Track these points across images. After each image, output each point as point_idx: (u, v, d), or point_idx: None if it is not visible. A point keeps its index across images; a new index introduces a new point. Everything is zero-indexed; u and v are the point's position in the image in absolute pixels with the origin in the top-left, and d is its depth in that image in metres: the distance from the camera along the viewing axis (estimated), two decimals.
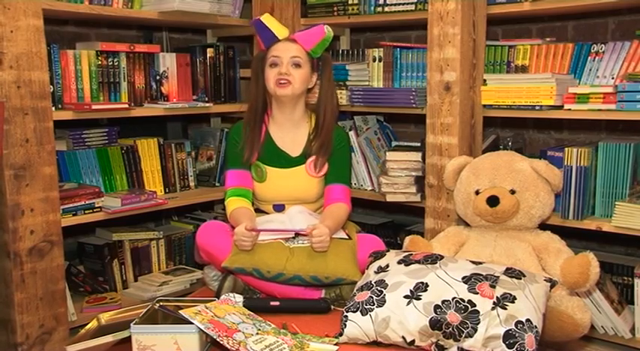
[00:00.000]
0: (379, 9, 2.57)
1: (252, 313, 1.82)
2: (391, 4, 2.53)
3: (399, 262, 1.83)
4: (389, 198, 2.46)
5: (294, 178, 2.22)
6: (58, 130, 2.34)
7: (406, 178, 2.43)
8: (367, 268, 1.91)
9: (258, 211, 2.27)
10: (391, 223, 2.98)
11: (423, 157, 2.39)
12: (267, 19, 2.19)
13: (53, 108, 2.15)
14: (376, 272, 1.83)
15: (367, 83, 2.64)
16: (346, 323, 1.72)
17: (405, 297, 1.68)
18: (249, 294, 2.09)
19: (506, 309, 1.59)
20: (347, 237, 2.13)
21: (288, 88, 2.15)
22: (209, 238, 2.07)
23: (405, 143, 2.65)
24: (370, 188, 2.66)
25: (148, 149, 2.67)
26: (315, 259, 1.98)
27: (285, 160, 2.23)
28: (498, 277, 1.69)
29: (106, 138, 2.59)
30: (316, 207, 2.28)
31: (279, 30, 2.20)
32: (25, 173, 2.02)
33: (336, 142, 2.24)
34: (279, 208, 2.25)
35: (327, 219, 2.08)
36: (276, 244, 2.03)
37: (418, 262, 1.80)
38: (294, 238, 2.06)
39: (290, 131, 2.26)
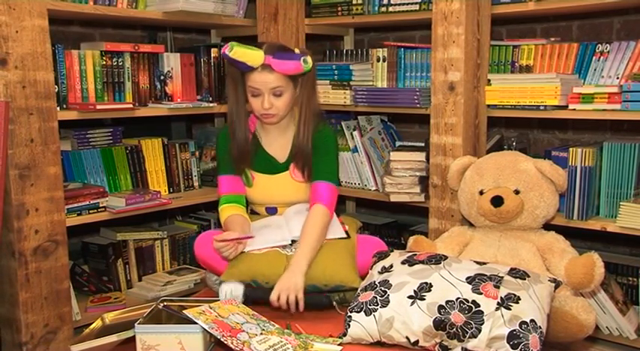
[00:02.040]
0: (383, 9, 2.57)
1: (256, 313, 1.82)
2: (395, 4, 2.53)
3: (402, 263, 1.83)
4: (393, 198, 2.46)
5: (281, 183, 2.18)
6: (62, 130, 2.35)
7: (410, 178, 2.43)
8: (371, 269, 1.90)
9: (253, 212, 2.26)
10: (395, 223, 2.97)
11: (427, 157, 2.39)
12: (236, 53, 1.96)
13: (58, 108, 2.16)
14: (380, 272, 1.83)
15: (371, 83, 2.64)
16: (350, 323, 1.72)
17: (409, 297, 1.68)
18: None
19: (510, 309, 1.58)
20: (345, 235, 2.11)
21: (274, 119, 2.10)
22: (207, 250, 2.04)
23: (409, 143, 2.65)
24: (374, 188, 2.66)
25: (152, 149, 2.68)
26: (313, 267, 1.95)
27: (272, 166, 2.18)
28: (502, 277, 1.69)
29: (111, 138, 2.59)
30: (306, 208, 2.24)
31: (251, 59, 1.98)
32: (29, 173, 2.02)
33: (319, 141, 2.14)
34: (272, 210, 2.22)
35: (302, 244, 1.98)
36: (273, 253, 2.00)
37: (422, 262, 1.80)
38: (290, 245, 2.04)
39: (277, 137, 2.20)
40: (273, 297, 1.89)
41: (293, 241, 2.04)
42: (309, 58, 2.03)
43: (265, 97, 2.04)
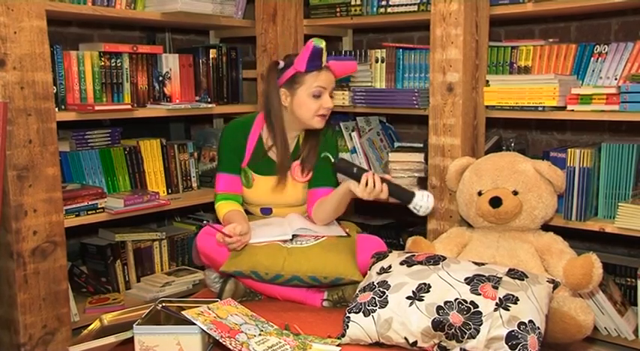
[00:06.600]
0: (382, 10, 2.57)
1: (254, 314, 1.82)
2: (394, 5, 2.53)
3: (401, 263, 1.83)
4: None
5: (280, 185, 2.18)
6: (61, 130, 2.35)
7: (409, 179, 2.43)
8: (370, 269, 1.90)
9: (247, 212, 2.26)
10: (393, 224, 2.98)
11: (426, 158, 2.39)
12: (322, 46, 2.04)
13: (56, 109, 2.16)
14: (379, 273, 1.83)
15: (370, 84, 2.64)
16: (348, 324, 1.72)
17: (408, 298, 1.68)
18: (250, 297, 2.09)
19: (508, 310, 1.59)
20: (346, 234, 2.12)
21: (326, 118, 2.14)
22: (210, 242, 2.06)
23: (408, 144, 2.65)
24: None
25: (150, 150, 2.67)
26: (313, 259, 1.97)
27: (272, 168, 2.18)
28: (501, 278, 1.69)
29: (109, 139, 2.59)
30: (302, 211, 2.24)
31: (324, 58, 2.09)
32: (28, 174, 2.02)
33: (322, 147, 2.17)
34: (267, 211, 2.23)
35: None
36: (273, 246, 2.01)
37: (421, 263, 1.80)
38: (291, 239, 2.05)
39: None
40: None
41: (294, 236, 2.05)
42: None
43: (326, 95, 2.12)
